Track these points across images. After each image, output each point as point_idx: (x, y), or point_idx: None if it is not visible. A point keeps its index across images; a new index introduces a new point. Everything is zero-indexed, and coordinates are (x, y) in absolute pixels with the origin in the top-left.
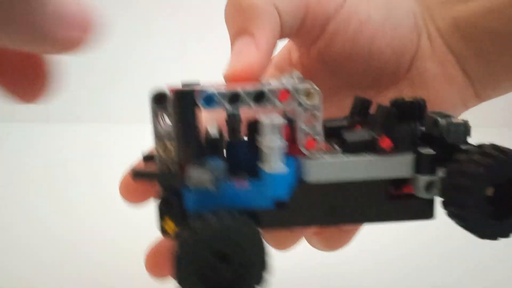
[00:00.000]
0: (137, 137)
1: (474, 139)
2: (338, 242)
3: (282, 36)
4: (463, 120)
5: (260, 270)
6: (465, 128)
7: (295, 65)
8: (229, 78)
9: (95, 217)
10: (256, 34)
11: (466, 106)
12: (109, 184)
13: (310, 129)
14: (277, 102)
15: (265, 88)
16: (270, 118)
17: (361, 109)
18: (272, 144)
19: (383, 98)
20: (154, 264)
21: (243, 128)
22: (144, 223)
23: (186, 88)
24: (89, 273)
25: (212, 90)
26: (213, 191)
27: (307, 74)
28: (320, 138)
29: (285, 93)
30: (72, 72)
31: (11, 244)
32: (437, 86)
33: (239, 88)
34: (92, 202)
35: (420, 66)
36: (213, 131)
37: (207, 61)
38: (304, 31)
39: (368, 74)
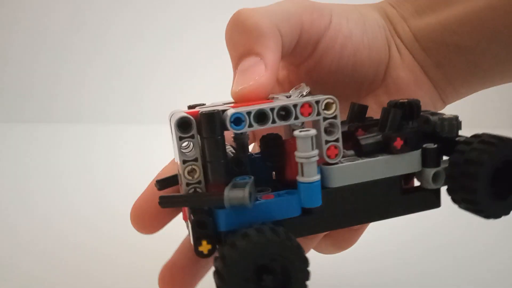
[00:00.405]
0: (137, 137)
1: None
2: (348, 241)
3: (283, 47)
4: (453, 115)
5: (302, 279)
6: (457, 122)
7: (281, 82)
8: (240, 97)
9: (94, 216)
10: (263, 54)
11: (435, 109)
12: (109, 184)
13: (331, 137)
14: (302, 117)
15: (290, 104)
16: (304, 131)
17: (358, 114)
18: (309, 155)
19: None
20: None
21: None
22: None
23: (214, 110)
24: (89, 273)
25: (240, 111)
26: (248, 208)
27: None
28: (340, 145)
29: (308, 107)
30: (73, 72)
31: (12, 245)
32: (410, 92)
33: (265, 105)
34: (91, 202)
35: (394, 74)
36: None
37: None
38: (299, 50)
39: (350, 85)
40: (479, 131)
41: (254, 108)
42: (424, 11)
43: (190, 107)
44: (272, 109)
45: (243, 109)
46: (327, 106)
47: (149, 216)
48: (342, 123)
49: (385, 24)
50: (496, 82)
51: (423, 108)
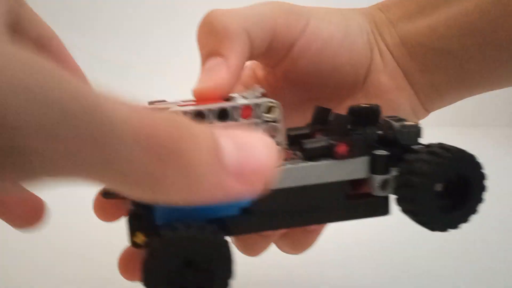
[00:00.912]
0: None
1: (476, 139)
2: (304, 243)
3: (250, 57)
4: (415, 122)
5: (225, 278)
6: (416, 130)
7: (260, 82)
8: (198, 95)
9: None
10: (227, 55)
11: (417, 117)
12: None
13: None
14: (240, 119)
15: (228, 106)
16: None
17: (321, 117)
18: None
19: (343, 108)
20: (125, 268)
21: None
22: None
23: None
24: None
25: (181, 110)
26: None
27: (273, 90)
28: (282, 148)
29: (248, 110)
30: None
31: (12, 246)
32: (390, 96)
33: (203, 107)
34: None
35: (374, 78)
36: None
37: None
38: (271, 53)
39: (329, 88)
40: (480, 130)
41: (193, 108)
42: (413, 15)
43: (150, 103)
44: (210, 110)
45: (185, 109)
46: (270, 110)
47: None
48: (306, 126)
49: (369, 28)
50: (484, 88)
51: (402, 115)
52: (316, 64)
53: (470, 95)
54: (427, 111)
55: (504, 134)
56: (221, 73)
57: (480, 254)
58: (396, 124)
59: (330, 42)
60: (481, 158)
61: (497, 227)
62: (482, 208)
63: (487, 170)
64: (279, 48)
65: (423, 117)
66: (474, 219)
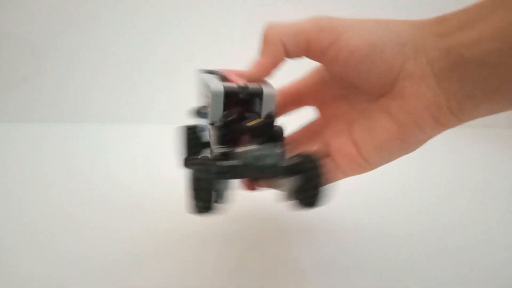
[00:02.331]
0: (138, 137)
1: (479, 139)
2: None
3: (289, 57)
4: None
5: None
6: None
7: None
8: (244, 76)
9: (94, 216)
10: (261, 56)
11: (444, 124)
12: (110, 185)
13: None
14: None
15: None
16: None
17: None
18: None
19: (377, 106)
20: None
21: None
22: (143, 227)
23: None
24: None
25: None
26: None
27: (318, 85)
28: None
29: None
30: (74, 73)
31: (12, 245)
32: (412, 102)
33: (234, 84)
34: (92, 203)
35: (401, 85)
36: None
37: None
38: (310, 57)
39: (359, 89)
40: (479, 130)
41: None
42: (462, 27)
43: (208, 71)
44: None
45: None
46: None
47: None
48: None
49: (410, 39)
50: None
51: (416, 118)
52: (344, 70)
53: (507, 109)
54: (459, 120)
55: (504, 135)
56: (254, 67)
57: (481, 254)
58: None
59: (354, 53)
60: (481, 159)
61: (497, 228)
62: (482, 209)
63: (487, 171)
64: (313, 55)
65: (453, 126)
66: (474, 219)
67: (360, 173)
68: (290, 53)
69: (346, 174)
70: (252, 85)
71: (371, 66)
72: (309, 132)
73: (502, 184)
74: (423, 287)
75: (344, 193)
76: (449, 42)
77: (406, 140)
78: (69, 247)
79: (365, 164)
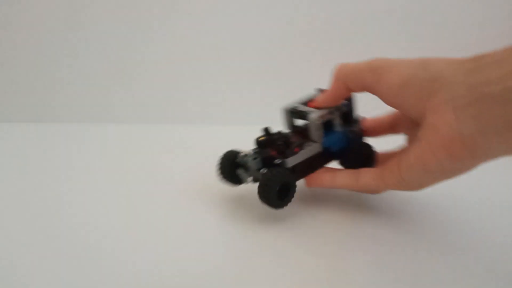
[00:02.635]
0: (139, 137)
1: None
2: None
3: (353, 91)
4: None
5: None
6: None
7: None
8: (314, 104)
9: (96, 217)
10: (328, 90)
11: (454, 157)
12: (110, 185)
13: None
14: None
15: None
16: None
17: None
18: None
19: (420, 129)
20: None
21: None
22: (144, 228)
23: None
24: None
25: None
26: None
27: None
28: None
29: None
30: (74, 73)
31: (12, 246)
32: (429, 134)
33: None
34: (93, 204)
35: (427, 116)
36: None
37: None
38: (366, 90)
39: (403, 115)
40: None
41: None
42: (494, 64)
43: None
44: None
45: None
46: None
47: None
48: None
49: (440, 76)
50: None
51: (434, 151)
52: (390, 102)
53: None
54: (473, 157)
55: None
56: (320, 97)
57: (480, 254)
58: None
59: (391, 89)
60: None
61: (497, 228)
62: (483, 210)
63: (488, 173)
64: (369, 90)
65: (468, 162)
66: (474, 220)
67: (399, 189)
68: (352, 89)
69: (387, 185)
70: (312, 109)
71: (404, 99)
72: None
73: (502, 186)
74: None
75: None
76: (474, 78)
77: (427, 169)
78: (69, 247)
79: (401, 179)
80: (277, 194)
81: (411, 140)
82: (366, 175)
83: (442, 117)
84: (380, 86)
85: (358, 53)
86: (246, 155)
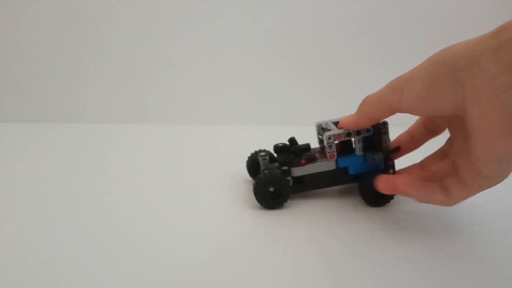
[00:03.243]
0: (138, 137)
1: None
2: None
3: (376, 121)
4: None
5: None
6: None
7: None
8: (341, 125)
9: (97, 217)
10: (355, 115)
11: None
12: (111, 185)
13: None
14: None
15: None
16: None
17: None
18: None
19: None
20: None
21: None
22: (143, 228)
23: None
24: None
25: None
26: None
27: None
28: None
29: (339, 135)
30: (74, 73)
31: (12, 247)
32: (477, 123)
33: (340, 130)
34: (92, 203)
35: (468, 108)
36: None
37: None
38: (397, 111)
39: (433, 119)
40: None
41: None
42: None
43: (319, 126)
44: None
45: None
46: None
47: None
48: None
49: (463, 64)
50: None
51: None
52: (422, 113)
53: None
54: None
55: None
56: (347, 120)
57: (481, 255)
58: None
59: (418, 99)
60: None
61: (497, 227)
62: (483, 211)
63: None
64: (398, 111)
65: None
66: (474, 220)
67: (488, 187)
68: (377, 119)
69: (476, 190)
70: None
71: (437, 101)
72: (439, 154)
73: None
74: None
75: None
76: (506, 53)
77: (500, 157)
78: (70, 248)
79: (485, 179)
80: (268, 195)
81: (455, 135)
82: (455, 188)
83: (486, 102)
84: (406, 102)
85: (371, 55)
86: (261, 154)
